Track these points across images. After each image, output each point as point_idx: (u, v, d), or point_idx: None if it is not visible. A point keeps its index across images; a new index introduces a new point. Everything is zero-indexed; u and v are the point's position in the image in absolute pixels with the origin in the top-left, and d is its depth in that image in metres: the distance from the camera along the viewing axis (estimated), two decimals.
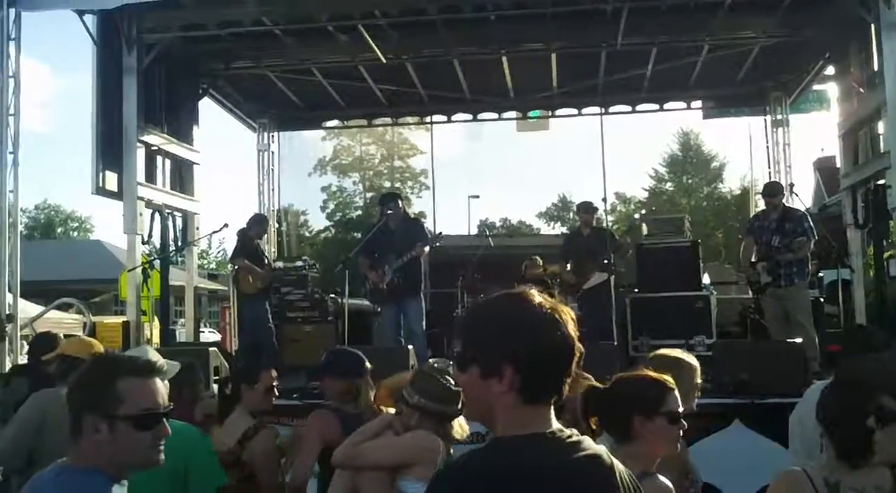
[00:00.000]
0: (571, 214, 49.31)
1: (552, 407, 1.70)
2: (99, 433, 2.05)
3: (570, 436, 1.68)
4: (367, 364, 4.13)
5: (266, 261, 9.55)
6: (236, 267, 9.32)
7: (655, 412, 2.62)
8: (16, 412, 4.34)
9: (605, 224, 10.46)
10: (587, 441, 1.70)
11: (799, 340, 7.08)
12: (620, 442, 2.60)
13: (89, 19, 8.96)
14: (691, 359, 3.40)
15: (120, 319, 10.47)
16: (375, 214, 10.13)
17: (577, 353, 1.70)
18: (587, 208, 9.65)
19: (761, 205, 9.18)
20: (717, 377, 6.49)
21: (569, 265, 9.50)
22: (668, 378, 2.72)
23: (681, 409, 2.68)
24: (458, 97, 12.56)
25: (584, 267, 9.10)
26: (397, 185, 40.97)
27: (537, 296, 1.73)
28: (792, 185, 10.81)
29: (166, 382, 2.27)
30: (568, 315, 1.71)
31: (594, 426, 2.60)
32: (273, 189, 13.58)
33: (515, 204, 75.01)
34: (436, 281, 11.36)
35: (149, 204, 9.62)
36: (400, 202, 8.66)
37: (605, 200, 9.27)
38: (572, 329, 1.70)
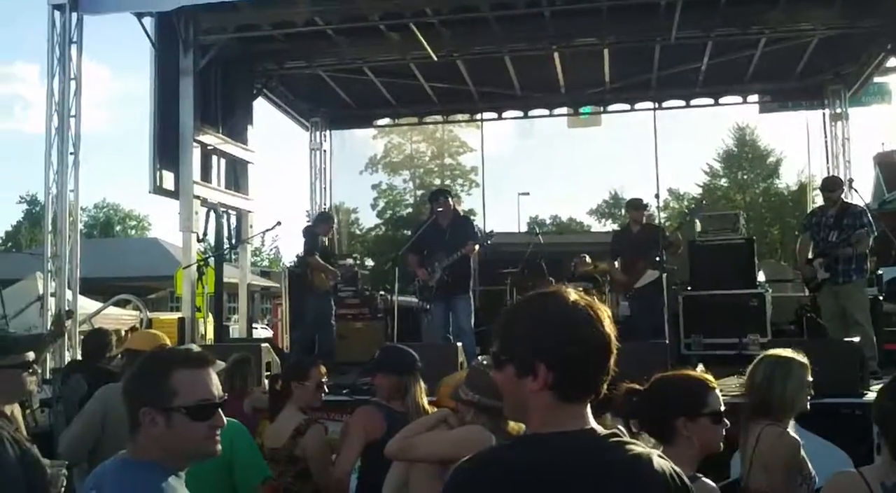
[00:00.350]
0: (623, 211, 48.57)
1: (589, 405, 1.70)
2: (156, 426, 2.08)
3: (609, 436, 1.67)
4: (419, 362, 4.16)
5: (332, 259, 9.67)
6: (308, 264, 9.34)
7: (698, 412, 2.57)
8: (80, 408, 4.43)
9: (657, 221, 10.31)
10: (630, 442, 1.68)
11: (856, 339, 6.90)
12: (662, 444, 2.56)
13: (147, 21, 9.14)
14: (802, 358, 3.35)
15: (175, 315, 10.71)
16: (425, 212, 10.17)
17: (614, 351, 1.69)
18: (636, 205, 9.54)
19: (819, 201, 9.01)
20: None
21: (617, 263, 9.41)
22: (709, 377, 2.68)
23: (723, 407, 2.63)
24: (509, 94, 12.55)
25: (634, 265, 9.00)
26: (447, 182, 41.02)
27: (572, 294, 1.73)
28: (851, 180, 10.55)
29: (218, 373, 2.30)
30: (604, 313, 1.72)
31: (634, 428, 2.58)
32: (325, 188, 13.72)
33: (566, 201, 74.56)
34: (485, 279, 11.37)
35: (204, 202, 9.78)
36: (450, 199, 8.67)
37: (657, 196, 9.17)
38: (608, 327, 1.70)
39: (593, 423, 1.68)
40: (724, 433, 2.62)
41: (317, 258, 9.18)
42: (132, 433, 2.12)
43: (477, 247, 8.42)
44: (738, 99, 12.85)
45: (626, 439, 1.70)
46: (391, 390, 4.05)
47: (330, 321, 9.37)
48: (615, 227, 43.28)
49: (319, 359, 4.56)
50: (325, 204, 13.69)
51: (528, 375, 1.67)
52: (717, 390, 2.66)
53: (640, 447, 1.68)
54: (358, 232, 41.41)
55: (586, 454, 1.62)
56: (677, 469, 1.68)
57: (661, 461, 1.66)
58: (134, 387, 2.16)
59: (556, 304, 1.71)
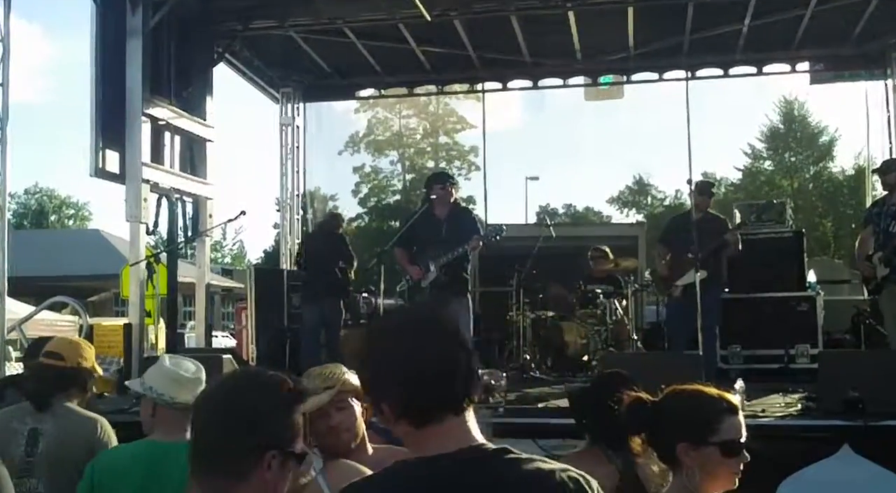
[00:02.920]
0: (649, 199, 48.98)
1: (464, 420, 1.84)
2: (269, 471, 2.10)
3: (498, 452, 1.80)
4: None
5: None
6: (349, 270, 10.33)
7: (704, 439, 2.51)
8: None
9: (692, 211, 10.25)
10: (524, 459, 1.79)
11: None
12: (670, 470, 2.54)
13: None
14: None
15: (121, 321, 10.67)
16: (417, 200, 10.21)
17: (459, 361, 1.84)
18: (703, 190, 9.41)
19: (881, 188, 9.01)
20: (823, 395, 6.42)
21: (668, 256, 9.38)
22: (732, 398, 2.61)
23: (743, 437, 2.56)
24: (515, 61, 12.54)
25: (685, 260, 8.96)
26: (442, 164, 41.15)
27: (398, 314, 1.98)
28: None
29: None
30: (441, 324, 1.88)
31: (638, 447, 2.57)
32: (298, 171, 13.72)
33: (582, 187, 75.01)
34: (486, 279, 11.40)
35: (155, 188, 9.78)
36: (450, 185, 8.73)
37: (690, 181, 9.11)
38: (448, 339, 1.86)
39: (471, 440, 1.81)
40: (741, 470, 2.55)
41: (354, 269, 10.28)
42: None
43: (481, 244, 8.47)
44: (786, 67, 12.86)
45: (515, 453, 1.80)
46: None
47: (340, 327, 10.15)
48: (639, 217, 43.47)
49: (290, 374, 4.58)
50: (297, 190, 13.70)
51: (379, 412, 1.88)
52: (739, 416, 2.60)
53: (540, 462, 1.80)
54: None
55: (447, 476, 1.76)
56: (592, 483, 1.80)
57: (566, 475, 1.78)
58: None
59: (377, 332, 1.95)
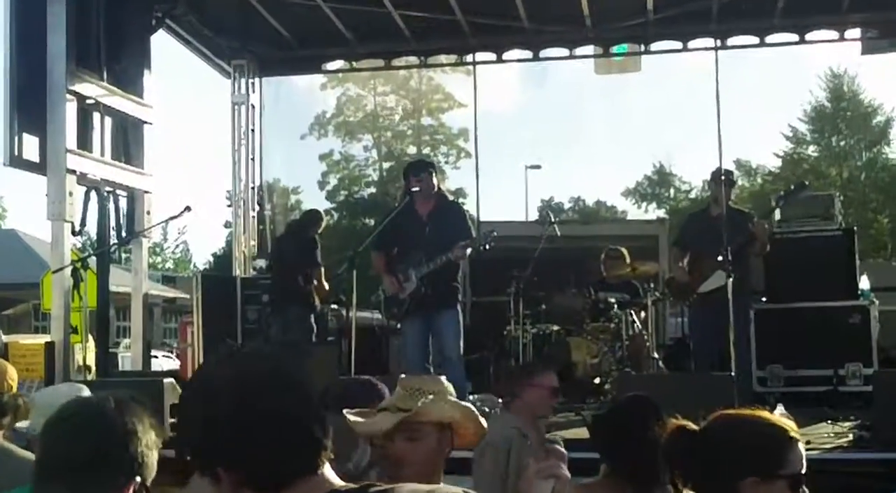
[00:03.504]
0: (672, 192, 49.11)
1: (317, 475, 1.90)
2: None
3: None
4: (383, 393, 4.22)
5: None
6: (315, 277, 10.63)
7: (774, 472, 2.55)
8: None
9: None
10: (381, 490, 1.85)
11: None
12: None
13: None
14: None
15: (41, 339, 10.64)
16: (396, 193, 10.23)
17: (312, 415, 1.90)
18: (718, 178, 9.45)
19: None
20: (879, 423, 6.45)
21: (685, 259, 9.41)
22: (791, 424, 2.66)
23: (804, 469, 2.61)
24: (512, 27, 12.56)
25: (706, 263, 8.97)
26: (426, 151, 41.18)
27: (230, 364, 1.94)
28: None
29: None
30: (282, 379, 1.91)
31: (680, 486, 2.58)
32: (253, 158, 13.70)
33: (592, 178, 75.35)
34: (479, 287, 11.44)
35: (82, 179, 9.74)
36: (433, 175, 8.77)
37: (720, 173, 9.12)
38: (288, 394, 1.89)
39: (335, 484, 1.89)
40: None
41: (322, 274, 10.56)
42: None
43: (469, 251, 8.53)
44: (833, 34, 12.88)
45: (386, 487, 1.86)
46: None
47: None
48: (660, 213, 43.53)
49: None
50: (253, 181, 13.68)
51: (215, 479, 1.89)
52: (801, 445, 2.65)
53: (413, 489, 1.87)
54: None
55: None
56: None
57: None
58: None
59: (204, 394, 1.91)
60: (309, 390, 1.95)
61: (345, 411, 3.14)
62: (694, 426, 2.65)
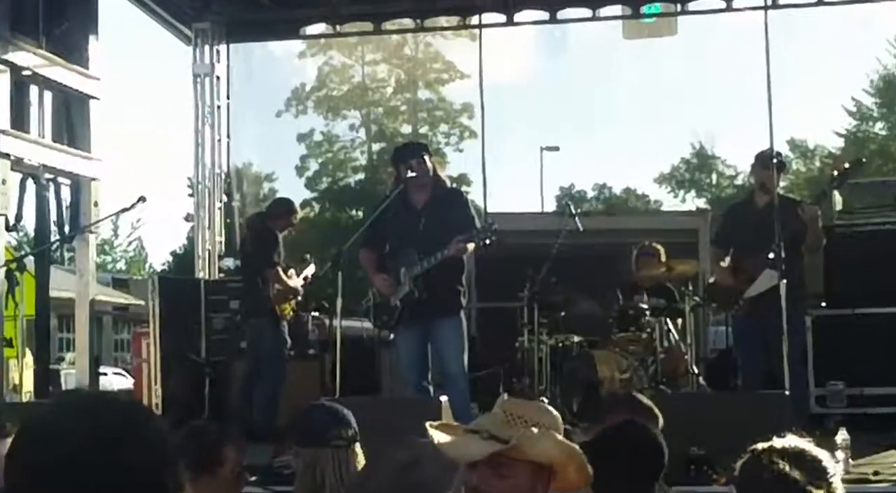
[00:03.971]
0: (714, 177, 49.10)
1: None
2: None
3: None
4: (346, 428, 4.32)
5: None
6: (270, 278, 10.36)
7: None
8: None
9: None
10: None
11: None
12: None
13: None
14: None
15: None
16: (388, 181, 10.23)
17: (150, 471, 1.89)
18: (766, 163, 9.34)
19: None
20: None
21: (727, 259, 9.41)
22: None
23: None
24: None
25: (753, 261, 8.93)
26: (423, 130, 41.22)
27: (73, 405, 1.95)
28: None
29: None
30: (131, 423, 1.92)
31: None
32: (219, 139, 13.70)
33: (619, 161, 74.98)
34: (487, 290, 11.46)
35: (17, 165, 9.74)
36: (427, 160, 8.74)
37: (772, 155, 9.06)
38: (139, 436, 1.90)
39: None
40: None
41: (280, 274, 10.33)
42: None
43: (471, 246, 8.46)
44: None
45: None
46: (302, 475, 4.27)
47: (283, 362, 10.38)
48: (701, 203, 43.66)
49: (234, 430, 4.68)
50: (219, 166, 13.66)
51: None
52: None
53: None
54: None
55: None
56: None
57: None
58: None
59: (51, 434, 1.90)
60: (162, 437, 1.96)
61: (427, 425, 3.13)
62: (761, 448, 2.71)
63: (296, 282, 10.58)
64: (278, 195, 42.48)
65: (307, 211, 42.37)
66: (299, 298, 10.69)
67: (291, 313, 10.53)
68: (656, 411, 4.90)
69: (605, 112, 67.71)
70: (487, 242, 8.40)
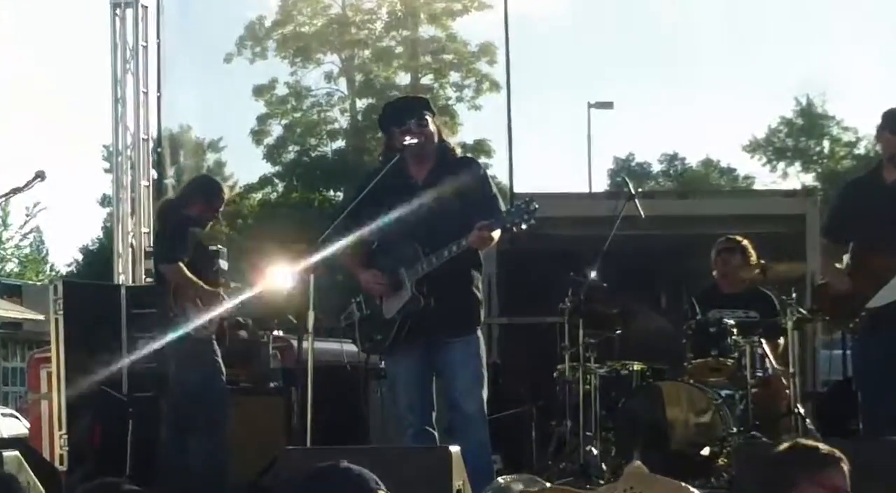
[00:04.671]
0: (826, 144, 48.71)
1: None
2: None
3: None
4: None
5: (220, 271, 10.73)
6: (175, 281, 10.24)
7: None
8: None
9: None
10: None
11: None
12: None
13: None
14: None
15: None
16: (375, 149, 10.24)
17: None
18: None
19: None
20: None
21: (845, 256, 9.43)
22: None
23: None
24: None
25: (881, 259, 8.96)
26: (426, 81, 41.24)
27: None
28: None
29: None
30: None
31: None
32: (146, 92, 13.75)
33: (696, 123, 74.86)
34: (514, 298, 11.46)
35: None
36: (431, 120, 8.68)
37: None
38: None
39: None
40: None
41: (184, 271, 10.16)
42: None
43: (497, 233, 8.37)
44: None
45: None
46: None
47: (220, 396, 10.31)
48: (808, 180, 43.56)
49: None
50: (145, 132, 13.72)
51: None
52: None
53: None
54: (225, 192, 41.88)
55: None
56: None
57: None
58: None
59: None
60: None
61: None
62: None
63: (228, 294, 10.45)
64: (230, 169, 42.78)
65: (267, 192, 42.55)
66: (240, 319, 10.76)
67: (243, 333, 10.56)
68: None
69: (677, 57, 67.50)
70: (523, 226, 8.13)
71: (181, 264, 10.07)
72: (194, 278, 10.16)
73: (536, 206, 8.12)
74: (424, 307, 8.38)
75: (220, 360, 10.36)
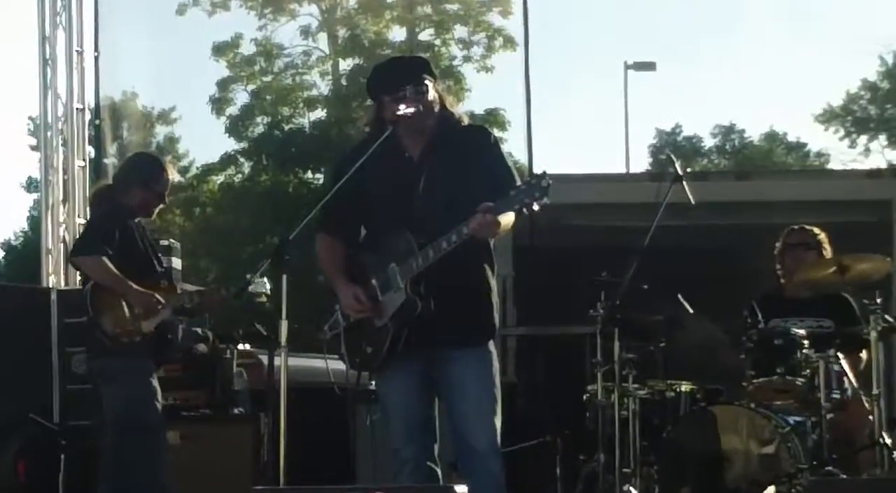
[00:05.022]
0: None
1: None
2: None
3: None
4: None
5: (161, 266, 10.61)
6: (97, 286, 10.14)
7: None
8: None
9: None
10: None
11: None
12: None
13: None
14: None
15: None
16: (361, 123, 10.19)
17: None
18: None
19: None
20: None
21: None
22: None
23: None
24: None
25: None
26: (425, 37, 41.40)
27: None
28: None
29: None
30: None
31: None
32: (79, 50, 13.71)
33: (756, 87, 75.08)
34: (533, 303, 11.39)
35: None
36: (431, 86, 8.59)
37: None
38: None
39: None
40: None
41: (104, 265, 10.01)
42: None
43: (507, 218, 8.26)
44: None
45: None
46: None
47: (153, 423, 10.12)
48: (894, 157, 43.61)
49: None
50: (79, 100, 13.66)
51: None
52: None
53: None
54: (181, 178, 41.74)
55: None
56: None
57: None
58: None
59: None
60: None
61: None
62: None
63: (172, 299, 10.30)
64: (184, 145, 42.81)
65: (230, 173, 42.60)
66: (198, 330, 10.68)
67: (200, 347, 10.44)
68: None
69: (733, 5, 67.62)
70: (535, 206, 7.92)
71: (104, 259, 9.89)
72: (119, 276, 9.92)
73: (549, 181, 7.87)
74: (423, 312, 8.22)
75: (154, 381, 10.24)
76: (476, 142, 8.68)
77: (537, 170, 10.52)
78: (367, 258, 8.51)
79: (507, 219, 8.07)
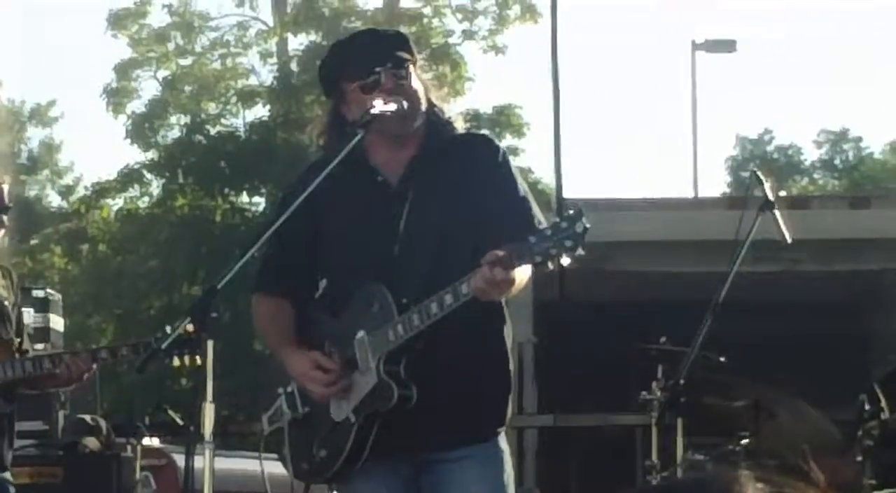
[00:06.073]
0: None
1: None
2: None
3: None
4: None
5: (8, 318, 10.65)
6: None
7: None
8: None
9: None
10: None
11: None
12: None
13: None
14: None
15: None
16: (308, 132, 10.18)
17: None
18: None
19: None
20: None
21: None
22: None
23: None
24: None
25: None
26: (409, 4, 41.47)
27: None
28: None
29: None
30: None
31: None
32: None
33: (873, 84, 75.42)
34: (560, 383, 11.45)
35: None
36: (414, 71, 8.61)
37: None
38: None
39: None
40: None
41: None
42: None
43: (522, 272, 8.16)
44: None
45: None
46: None
47: None
48: None
49: None
50: None
51: None
52: None
53: None
54: (53, 205, 42.02)
55: None
56: None
57: None
58: None
59: None
60: None
61: None
62: None
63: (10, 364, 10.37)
64: (66, 150, 43.18)
65: (132, 195, 42.65)
66: (87, 418, 10.64)
67: (90, 441, 10.50)
68: None
69: None
70: (564, 257, 7.69)
71: None
72: None
73: (587, 225, 7.49)
74: (401, 402, 8.20)
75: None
76: (478, 158, 8.59)
77: (567, 194, 10.49)
78: (324, 323, 8.44)
79: (523, 274, 7.90)
